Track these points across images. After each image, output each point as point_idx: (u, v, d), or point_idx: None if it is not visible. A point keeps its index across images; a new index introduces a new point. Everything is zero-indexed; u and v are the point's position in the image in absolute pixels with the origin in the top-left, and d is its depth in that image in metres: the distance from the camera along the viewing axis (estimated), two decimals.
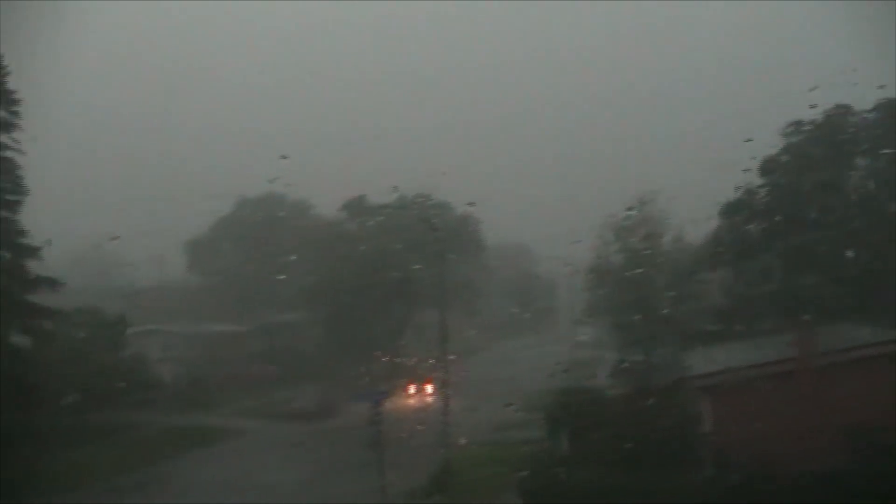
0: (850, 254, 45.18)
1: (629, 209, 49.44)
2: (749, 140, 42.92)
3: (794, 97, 49.19)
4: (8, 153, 46.06)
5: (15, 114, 46.04)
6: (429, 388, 57.49)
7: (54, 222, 54.17)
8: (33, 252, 46.31)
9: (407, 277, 61.54)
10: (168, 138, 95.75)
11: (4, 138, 45.80)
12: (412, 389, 56.06)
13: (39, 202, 48.74)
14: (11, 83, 46.21)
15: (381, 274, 64.84)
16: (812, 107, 45.49)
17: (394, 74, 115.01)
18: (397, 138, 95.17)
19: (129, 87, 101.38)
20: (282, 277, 61.10)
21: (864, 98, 45.41)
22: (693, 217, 48.13)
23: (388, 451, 38.08)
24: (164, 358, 59.29)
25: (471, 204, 62.29)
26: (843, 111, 46.41)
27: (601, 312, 54.71)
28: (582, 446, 35.18)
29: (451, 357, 46.66)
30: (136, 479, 43.08)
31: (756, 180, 46.69)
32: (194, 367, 61.66)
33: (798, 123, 46.99)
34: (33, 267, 46.52)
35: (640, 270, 48.10)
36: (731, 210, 47.13)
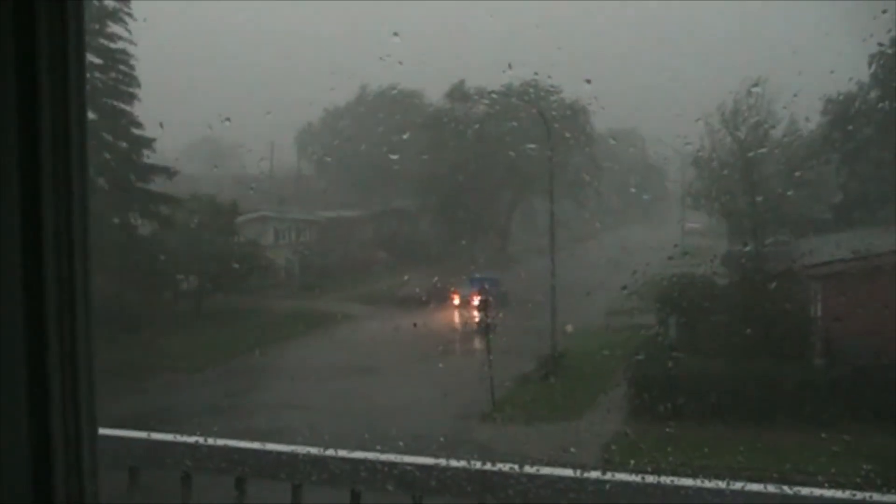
0: None
1: (754, 86, 47.98)
2: (885, 12, 40.45)
3: None
4: (120, 44, 46.65)
5: (125, 2, 46.44)
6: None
7: (169, 109, 54.66)
8: (148, 142, 47.30)
9: (516, 163, 60.97)
10: (281, 18, 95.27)
11: (116, 28, 46.33)
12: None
13: (153, 90, 49.42)
14: None
15: (491, 159, 64.45)
16: None
17: None
18: (510, 15, 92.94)
19: None
20: (394, 157, 60.93)
21: None
22: (809, 103, 46.37)
23: (499, 336, 38.34)
24: (275, 244, 60.15)
25: (587, 81, 60.84)
26: None
27: (715, 198, 53.73)
28: (694, 333, 35.05)
29: (562, 242, 46.37)
30: (251, 361, 44.09)
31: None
32: (305, 253, 62.46)
33: None
34: (148, 156, 47.62)
35: (763, 150, 46.95)
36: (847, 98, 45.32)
